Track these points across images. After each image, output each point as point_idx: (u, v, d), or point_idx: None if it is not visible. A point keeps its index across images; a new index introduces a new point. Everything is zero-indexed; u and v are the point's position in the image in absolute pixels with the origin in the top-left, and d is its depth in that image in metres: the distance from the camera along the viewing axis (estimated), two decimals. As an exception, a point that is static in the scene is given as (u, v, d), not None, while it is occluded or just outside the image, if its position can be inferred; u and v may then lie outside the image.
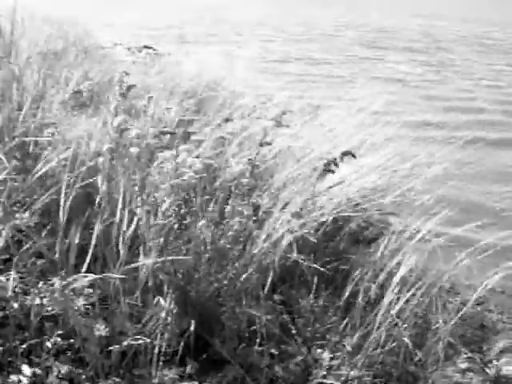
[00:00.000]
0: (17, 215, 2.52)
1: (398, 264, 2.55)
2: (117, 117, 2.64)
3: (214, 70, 5.95)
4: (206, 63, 6.12)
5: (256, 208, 2.45)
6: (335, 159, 2.68)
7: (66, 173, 2.54)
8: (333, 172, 2.73)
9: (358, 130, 3.76)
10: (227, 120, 3.18)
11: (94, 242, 2.26)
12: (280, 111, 3.01)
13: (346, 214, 3.04)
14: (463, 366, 2.48)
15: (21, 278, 2.39)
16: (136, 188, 2.45)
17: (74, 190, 2.45)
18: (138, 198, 2.41)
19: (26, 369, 2.03)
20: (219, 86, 5.39)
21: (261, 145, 2.73)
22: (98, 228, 2.28)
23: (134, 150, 2.56)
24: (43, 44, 5.09)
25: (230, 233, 2.35)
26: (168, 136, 2.61)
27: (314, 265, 2.68)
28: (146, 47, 3.44)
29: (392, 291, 2.33)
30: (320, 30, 19.87)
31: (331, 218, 2.92)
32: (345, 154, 2.70)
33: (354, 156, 2.74)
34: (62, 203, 2.43)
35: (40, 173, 2.77)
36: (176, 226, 2.33)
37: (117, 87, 2.75)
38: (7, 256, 2.46)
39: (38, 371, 2.03)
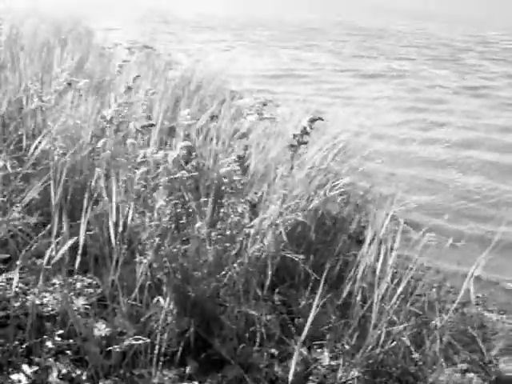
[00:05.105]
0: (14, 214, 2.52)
1: (398, 263, 2.55)
2: (109, 109, 2.59)
3: (212, 72, 5.96)
4: (204, 64, 6.13)
5: (253, 205, 2.39)
6: (305, 128, 2.44)
7: (58, 161, 2.52)
8: (306, 143, 2.50)
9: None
10: (212, 117, 3.07)
11: (82, 240, 2.24)
12: (260, 102, 2.87)
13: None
14: (463, 365, 2.48)
15: (21, 277, 2.39)
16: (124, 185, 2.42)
17: (62, 179, 2.41)
18: (123, 193, 2.37)
19: (26, 369, 2.03)
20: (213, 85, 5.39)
21: (239, 138, 2.59)
22: (83, 226, 2.25)
23: (130, 141, 2.53)
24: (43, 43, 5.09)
25: (228, 232, 2.33)
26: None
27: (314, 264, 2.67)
28: (146, 47, 3.44)
29: (390, 290, 2.33)
30: (321, 34, 19.58)
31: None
32: (313, 120, 2.46)
33: (321, 119, 2.50)
34: (52, 193, 2.41)
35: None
36: (173, 226, 2.31)
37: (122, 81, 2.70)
38: (7, 255, 2.46)
39: (38, 371, 2.03)
